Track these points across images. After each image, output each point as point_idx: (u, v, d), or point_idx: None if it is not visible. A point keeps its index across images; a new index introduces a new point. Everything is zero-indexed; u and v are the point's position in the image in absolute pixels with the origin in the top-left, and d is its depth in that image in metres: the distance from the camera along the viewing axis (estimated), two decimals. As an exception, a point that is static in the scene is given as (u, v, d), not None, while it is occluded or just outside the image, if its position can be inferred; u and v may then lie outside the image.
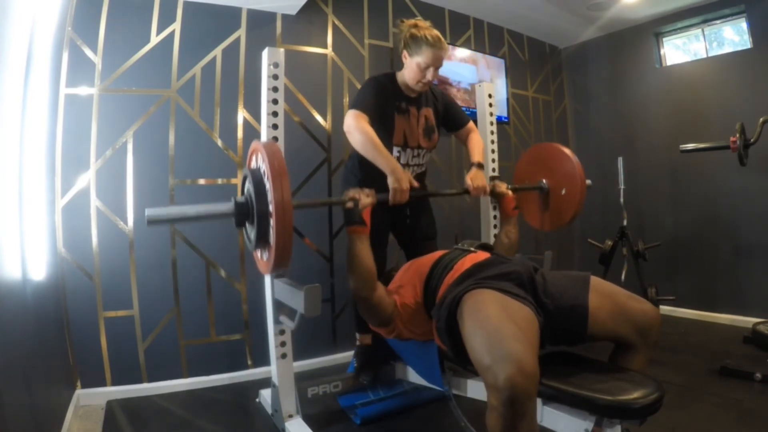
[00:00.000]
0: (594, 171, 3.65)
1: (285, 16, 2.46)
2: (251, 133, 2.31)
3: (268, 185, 1.15)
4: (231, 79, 2.31)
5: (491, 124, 2.29)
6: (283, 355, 1.68)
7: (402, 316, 1.46)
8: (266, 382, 1.92)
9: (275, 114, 1.68)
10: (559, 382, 1.09)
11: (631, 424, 1.16)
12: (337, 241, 2.50)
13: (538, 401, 1.19)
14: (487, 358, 0.99)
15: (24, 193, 1.44)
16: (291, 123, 2.41)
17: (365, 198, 1.49)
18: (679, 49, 3.37)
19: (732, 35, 3.13)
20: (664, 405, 1.02)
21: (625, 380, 1.08)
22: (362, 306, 1.47)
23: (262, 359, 2.24)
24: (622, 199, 2.83)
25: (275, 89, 1.68)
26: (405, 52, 1.76)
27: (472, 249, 1.53)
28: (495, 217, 2.27)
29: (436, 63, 1.71)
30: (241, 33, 2.35)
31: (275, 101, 1.68)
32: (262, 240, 1.21)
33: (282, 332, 1.69)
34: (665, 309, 3.09)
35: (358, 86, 2.66)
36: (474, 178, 1.84)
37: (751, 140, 2.26)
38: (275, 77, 1.68)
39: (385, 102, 1.75)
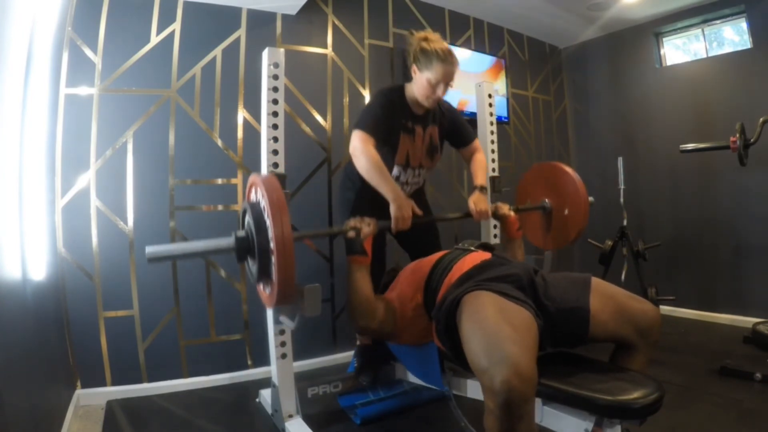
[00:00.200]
0: (594, 171, 3.67)
1: (285, 16, 2.46)
2: (251, 133, 2.31)
3: (268, 222, 1.14)
4: (231, 79, 2.31)
5: (491, 124, 2.29)
6: (283, 355, 1.68)
7: (403, 324, 1.46)
8: (266, 382, 1.92)
9: (275, 114, 1.68)
10: (559, 382, 1.10)
11: (631, 424, 1.16)
12: (337, 241, 2.50)
13: (538, 401, 1.19)
14: (484, 361, 0.99)
15: (24, 193, 1.44)
16: (291, 123, 2.41)
17: (366, 227, 1.48)
18: (679, 49, 3.37)
19: (732, 35, 3.13)
20: (664, 405, 1.02)
21: (625, 380, 1.08)
22: (363, 331, 1.47)
23: (262, 359, 2.24)
24: (622, 199, 2.83)
25: (275, 89, 1.68)
26: (414, 67, 1.69)
27: (473, 249, 1.53)
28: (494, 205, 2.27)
29: (447, 79, 1.66)
30: (241, 33, 2.35)
31: (275, 101, 1.68)
32: (264, 275, 1.20)
33: (282, 332, 1.69)
34: (665, 309, 3.09)
35: (358, 86, 2.67)
36: (477, 202, 1.80)
37: (751, 140, 2.26)
38: (275, 77, 1.68)
39: (392, 121, 1.71)
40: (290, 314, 1.45)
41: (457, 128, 1.93)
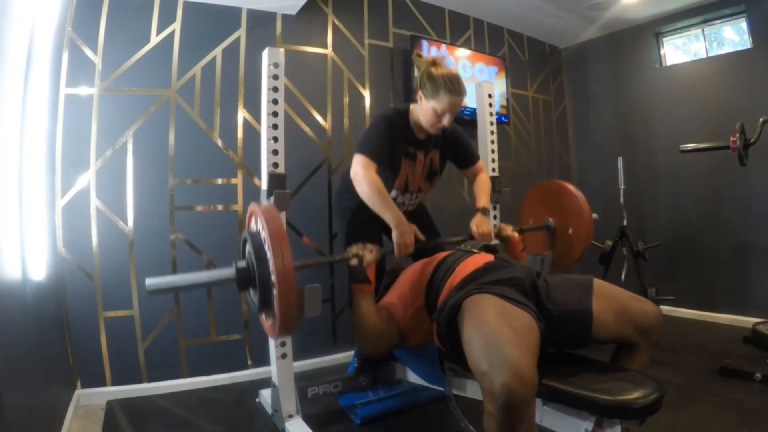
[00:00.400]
0: (594, 171, 3.67)
1: (285, 16, 2.46)
2: (251, 133, 2.31)
3: (269, 254, 1.14)
4: (231, 79, 2.31)
5: (491, 124, 2.29)
6: (283, 355, 1.68)
7: (405, 327, 1.46)
8: (266, 382, 1.92)
9: (275, 114, 1.68)
10: (559, 382, 1.09)
11: (631, 424, 1.16)
12: (337, 241, 2.50)
13: (538, 401, 1.19)
14: (485, 364, 0.99)
15: (24, 193, 1.44)
16: (291, 123, 2.41)
17: (369, 254, 1.45)
18: (679, 49, 3.37)
19: (732, 35, 3.12)
20: (664, 405, 1.02)
21: (625, 380, 1.08)
22: (374, 356, 1.46)
23: (262, 359, 2.24)
24: (622, 199, 2.83)
25: (275, 89, 1.68)
26: (421, 93, 1.65)
27: (475, 251, 1.53)
28: (495, 217, 2.27)
29: (454, 109, 1.62)
30: (241, 33, 2.34)
31: (275, 101, 1.68)
32: (265, 306, 1.20)
33: (282, 332, 1.68)
34: (665, 309, 3.08)
35: (358, 86, 2.67)
36: (479, 224, 1.77)
37: (751, 140, 2.26)
38: (275, 77, 1.68)
39: (395, 146, 1.69)
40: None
41: (461, 150, 1.90)
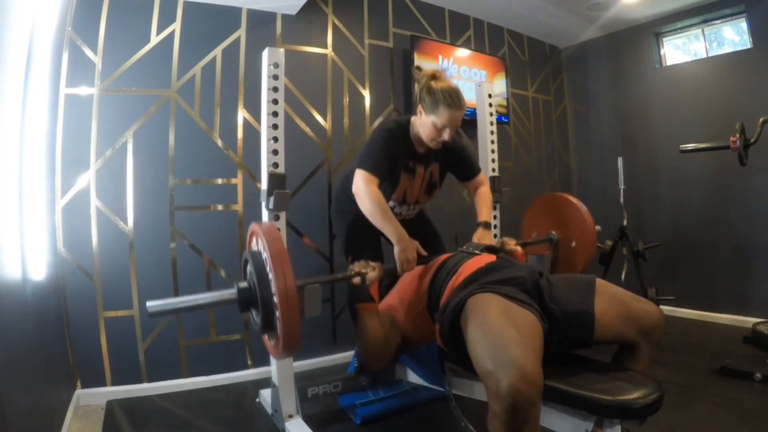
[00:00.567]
0: (594, 171, 3.67)
1: (285, 16, 2.46)
2: (251, 133, 2.31)
3: (270, 275, 1.13)
4: (231, 79, 2.31)
5: (491, 124, 2.29)
6: (283, 355, 1.68)
7: (406, 329, 1.46)
8: (266, 382, 1.92)
9: (275, 114, 1.68)
10: (560, 382, 1.09)
11: (631, 424, 1.16)
12: (337, 242, 2.50)
13: (538, 401, 1.19)
14: (490, 364, 0.98)
15: (24, 193, 1.44)
16: (291, 123, 2.41)
17: (372, 272, 1.44)
18: (679, 49, 3.37)
19: (732, 35, 3.12)
20: (664, 405, 1.02)
21: (625, 380, 1.08)
22: (380, 370, 1.45)
23: (262, 359, 2.25)
24: (622, 199, 2.83)
25: (275, 89, 1.68)
26: (420, 107, 1.62)
27: (477, 252, 1.52)
28: (495, 216, 2.27)
29: (454, 123, 1.59)
30: (241, 33, 2.34)
31: (275, 101, 1.68)
32: (268, 327, 1.19)
33: (282, 332, 1.68)
34: (665, 309, 3.07)
35: (358, 86, 2.67)
36: (481, 239, 1.76)
37: (751, 140, 2.26)
38: (275, 77, 1.68)
39: (395, 159, 1.68)
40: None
41: (462, 162, 1.86)
